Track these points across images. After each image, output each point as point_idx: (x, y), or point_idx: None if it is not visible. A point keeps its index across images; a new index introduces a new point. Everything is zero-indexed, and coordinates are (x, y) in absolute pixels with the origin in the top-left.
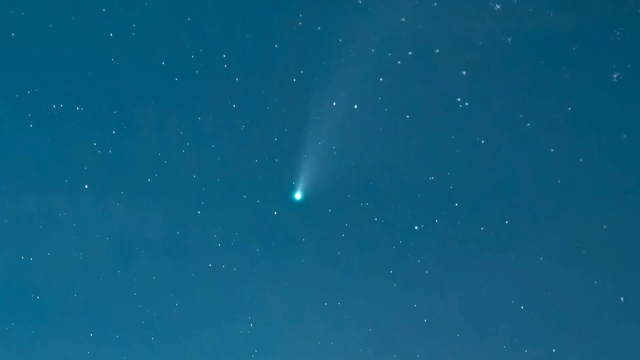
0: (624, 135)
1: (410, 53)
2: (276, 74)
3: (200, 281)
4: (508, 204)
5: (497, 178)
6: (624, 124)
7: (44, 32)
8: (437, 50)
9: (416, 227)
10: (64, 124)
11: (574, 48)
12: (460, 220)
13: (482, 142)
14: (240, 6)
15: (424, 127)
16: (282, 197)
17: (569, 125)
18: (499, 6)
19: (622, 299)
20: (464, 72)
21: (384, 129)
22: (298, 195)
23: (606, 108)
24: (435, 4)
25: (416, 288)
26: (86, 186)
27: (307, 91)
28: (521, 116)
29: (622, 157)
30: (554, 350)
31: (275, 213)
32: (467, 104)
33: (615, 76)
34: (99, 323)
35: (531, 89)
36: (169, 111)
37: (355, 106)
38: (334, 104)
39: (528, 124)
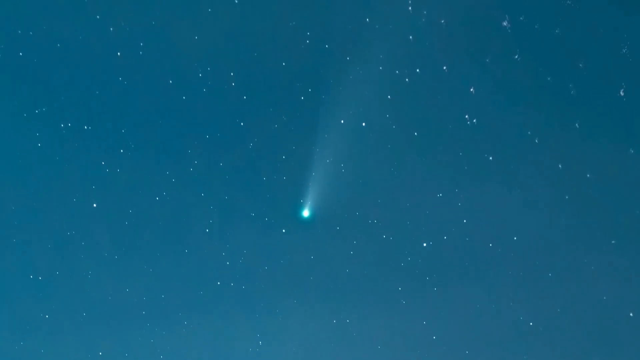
0: (631, 151)
1: (418, 70)
2: (284, 92)
3: (209, 299)
4: (516, 220)
5: (505, 194)
6: (631, 140)
7: (51, 52)
8: (445, 68)
9: (424, 244)
10: (72, 143)
11: (581, 64)
12: (469, 237)
13: (490, 158)
14: (247, 24)
15: (432, 144)
16: (291, 215)
17: (577, 141)
18: (506, 23)
19: (631, 314)
20: (472, 90)
21: (392, 147)
22: (306, 213)
23: (613, 124)
24: (443, 22)
25: (425, 305)
26: (94, 205)
27: (315, 109)
28: (529, 133)
29: (630, 172)
30: None
31: (284, 231)
32: (475, 121)
33: (622, 92)
34: (108, 342)
35: (538, 105)
36: (177, 129)
37: (363, 124)
38: (342, 121)
39: (536, 141)
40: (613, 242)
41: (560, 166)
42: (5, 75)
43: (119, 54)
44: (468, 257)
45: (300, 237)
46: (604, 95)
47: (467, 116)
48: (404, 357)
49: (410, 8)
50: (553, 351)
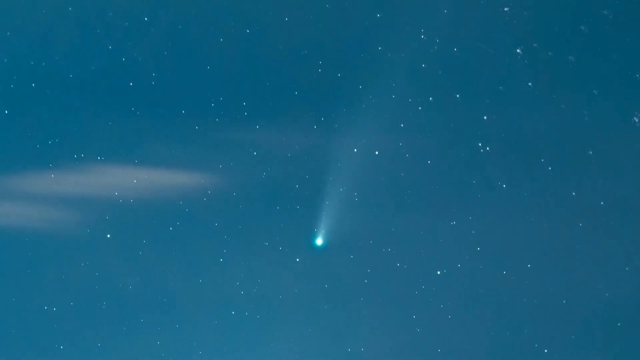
0: None
1: (431, 99)
2: (296, 121)
3: (223, 329)
4: (530, 248)
5: (519, 222)
6: None
7: (64, 82)
8: (458, 96)
9: (438, 272)
10: (85, 174)
11: (595, 91)
12: (483, 265)
13: (504, 186)
14: (259, 53)
15: (445, 172)
16: (304, 244)
17: (591, 169)
18: (519, 50)
19: None
20: (485, 117)
21: (405, 175)
22: (319, 241)
23: (627, 151)
24: (456, 49)
25: (439, 333)
26: (108, 235)
27: (328, 138)
28: (542, 160)
29: None
30: None
31: (297, 260)
32: (488, 148)
33: (636, 119)
34: None
35: (552, 132)
36: (190, 159)
37: (376, 152)
38: (355, 150)
39: (549, 168)
40: (627, 269)
41: (574, 194)
42: (17, 106)
43: (131, 84)
44: (482, 284)
45: (314, 265)
46: (618, 122)
47: (480, 144)
48: None
49: (423, 36)
50: None
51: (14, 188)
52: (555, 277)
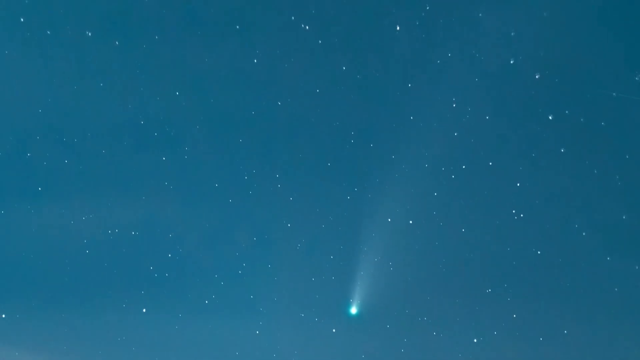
0: None
1: (463, 167)
2: (330, 192)
3: None
4: (566, 314)
5: (555, 289)
6: None
7: (97, 158)
8: (491, 163)
9: (475, 340)
10: (120, 249)
11: (627, 156)
12: (519, 332)
13: (539, 252)
14: (292, 126)
15: (479, 240)
16: (340, 315)
17: (624, 234)
18: (551, 117)
19: None
20: (518, 184)
21: (440, 243)
22: (354, 310)
23: None
24: (487, 117)
25: None
26: (144, 310)
27: (362, 208)
28: (576, 226)
29: None
30: None
31: (334, 330)
32: (522, 215)
33: None
34: None
35: (585, 198)
36: (225, 234)
37: (411, 222)
38: (389, 219)
39: (583, 233)
40: None
41: (608, 258)
42: (51, 183)
43: (164, 158)
44: (519, 352)
45: (350, 336)
46: None
47: (514, 211)
48: None
49: (454, 105)
50: None
51: (49, 264)
52: (592, 345)
